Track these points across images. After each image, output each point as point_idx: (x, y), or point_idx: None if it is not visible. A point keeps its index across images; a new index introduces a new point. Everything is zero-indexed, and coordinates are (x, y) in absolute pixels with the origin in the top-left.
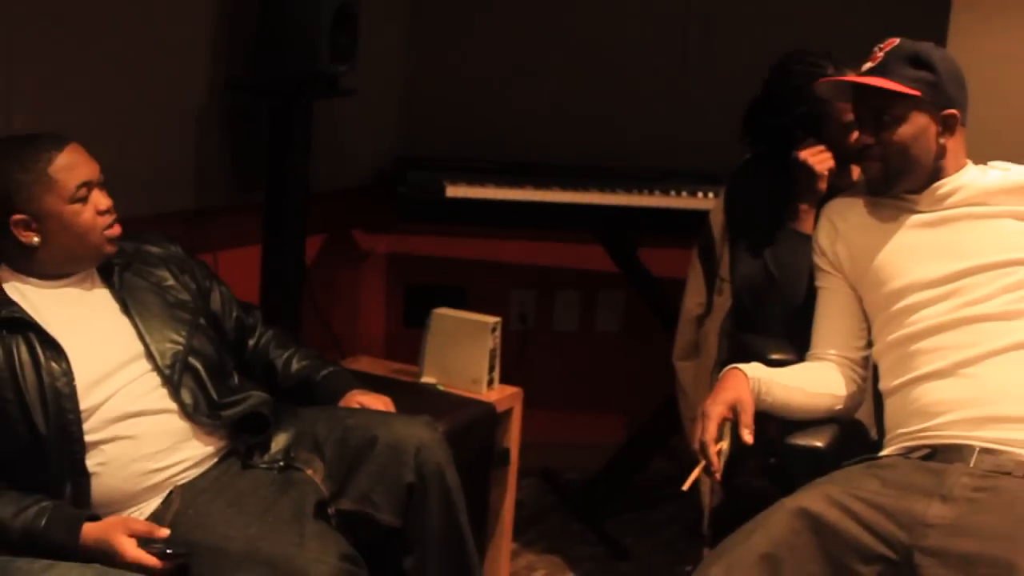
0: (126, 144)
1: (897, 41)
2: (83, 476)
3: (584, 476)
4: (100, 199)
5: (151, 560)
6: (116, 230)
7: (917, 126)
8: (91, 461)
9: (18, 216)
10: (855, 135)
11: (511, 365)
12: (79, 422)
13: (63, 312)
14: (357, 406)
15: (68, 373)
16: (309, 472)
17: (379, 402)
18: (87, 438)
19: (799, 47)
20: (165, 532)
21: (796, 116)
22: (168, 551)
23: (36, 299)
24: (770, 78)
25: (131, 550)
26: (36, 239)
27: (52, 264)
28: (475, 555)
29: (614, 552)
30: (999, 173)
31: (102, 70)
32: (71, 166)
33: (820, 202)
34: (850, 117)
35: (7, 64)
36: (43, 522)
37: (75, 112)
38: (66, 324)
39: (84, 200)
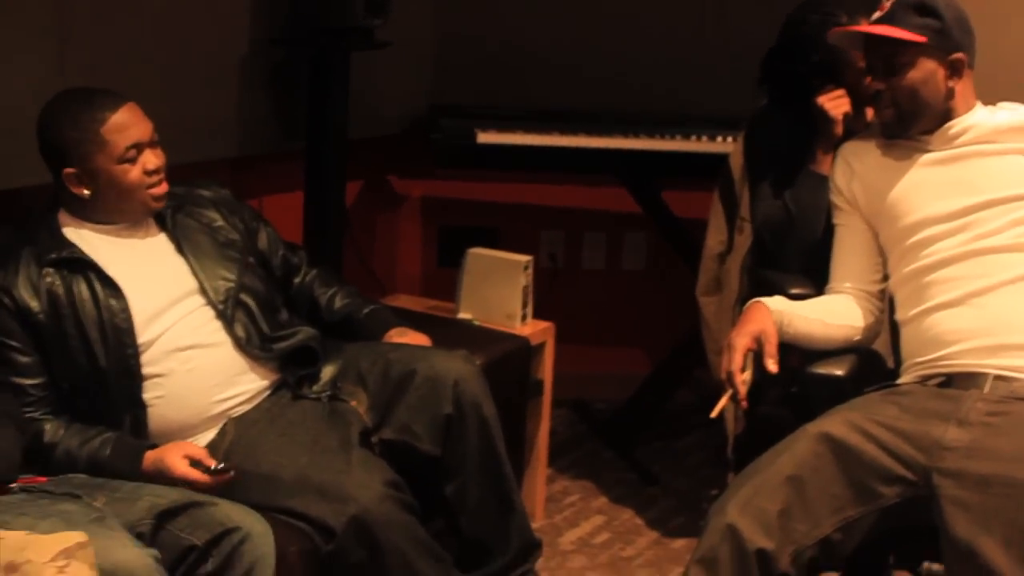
0: (175, 96)
1: None
2: (140, 408)
3: (613, 406)
4: (150, 159)
5: (197, 475)
6: (163, 188)
7: (925, 71)
8: (149, 394)
9: (70, 170)
10: (869, 80)
11: (542, 301)
12: (137, 356)
13: (120, 252)
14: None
15: (126, 309)
16: (354, 403)
17: (419, 339)
18: (145, 371)
19: None
20: (214, 462)
21: (812, 64)
22: (215, 468)
23: (94, 241)
24: (786, 27)
25: (181, 468)
26: (87, 192)
27: (103, 213)
28: (512, 481)
29: (643, 478)
30: (1008, 113)
31: (151, 27)
32: (123, 127)
33: (836, 144)
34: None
35: (60, 20)
36: (108, 451)
37: (125, 69)
38: (123, 263)
39: (133, 161)
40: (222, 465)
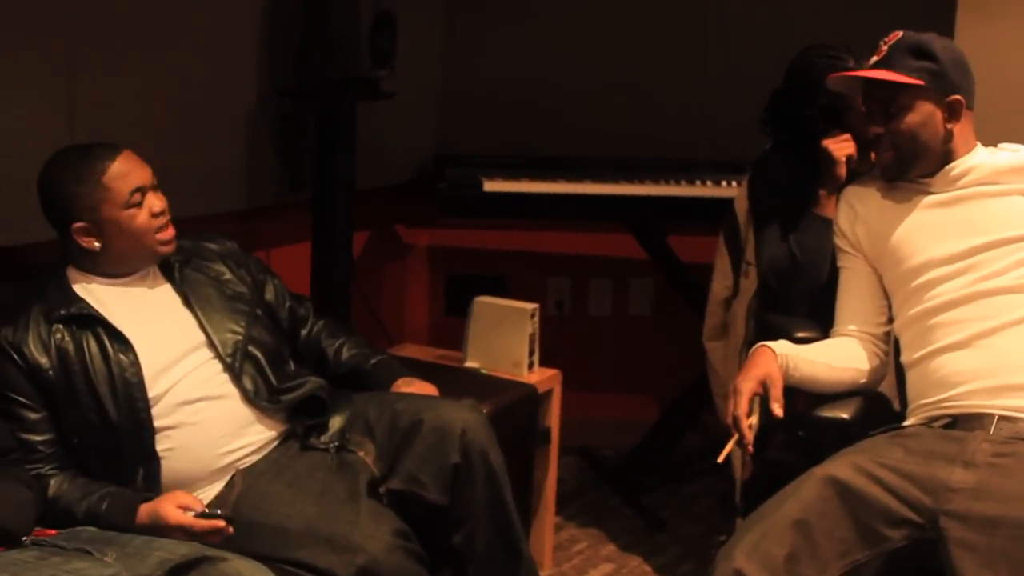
0: (181, 149)
1: (901, 34)
2: (154, 460)
3: (621, 453)
4: (154, 201)
5: (190, 520)
6: (169, 232)
7: (923, 113)
8: (159, 446)
9: (79, 224)
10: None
11: (549, 349)
12: (148, 409)
13: (128, 307)
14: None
15: (136, 363)
16: (361, 454)
17: (426, 388)
18: (155, 423)
19: (817, 41)
20: (203, 507)
21: (818, 107)
22: (205, 512)
23: (103, 296)
24: (792, 71)
25: (175, 516)
26: (97, 244)
27: (113, 264)
28: (520, 529)
29: (651, 524)
30: (1008, 154)
31: (158, 81)
32: (124, 173)
33: (840, 187)
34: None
35: (70, 75)
36: (104, 505)
37: (133, 122)
38: (132, 318)
39: (139, 205)
40: (215, 511)
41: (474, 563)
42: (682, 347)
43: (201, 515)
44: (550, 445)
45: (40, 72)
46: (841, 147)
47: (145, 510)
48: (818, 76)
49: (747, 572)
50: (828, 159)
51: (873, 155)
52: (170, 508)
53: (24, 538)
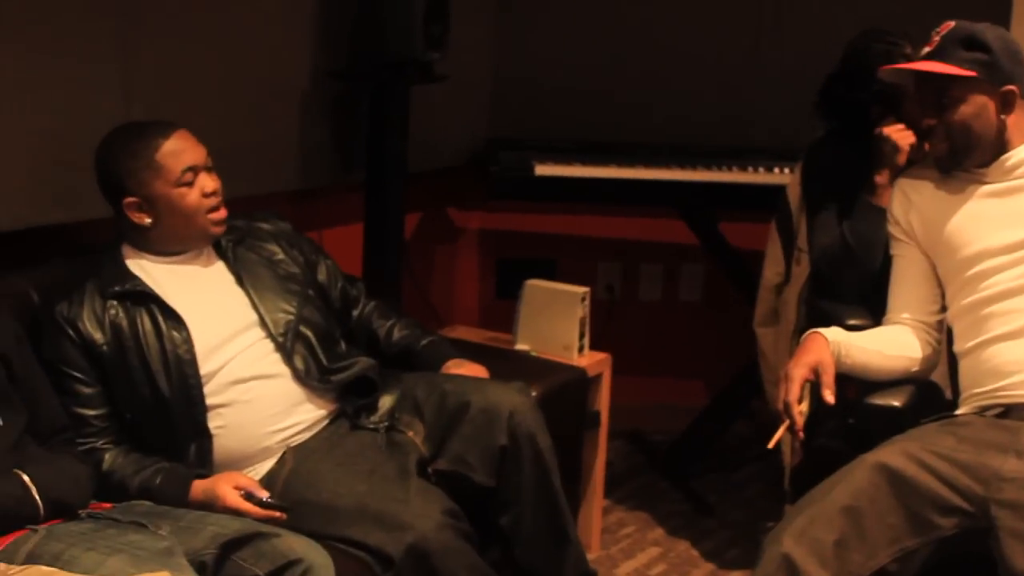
0: (238, 130)
1: (953, 24)
2: (206, 437)
3: (670, 437)
4: (207, 182)
5: (248, 506)
6: (221, 213)
7: (976, 105)
8: (211, 423)
9: (130, 199)
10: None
11: (599, 333)
12: (200, 386)
13: (182, 285)
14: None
15: (188, 341)
16: (410, 434)
17: (476, 370)
18: (207, 401)
19: (873, 26)
20: (265, 493)
21: (874, 92)
22: (265, 501)
23: (156, 273)
24: (848, 55)
25: (231, 498)
26: (148, 220)
27: (165, 242)
28: (567, 513)
29: (699, 509)
30: None
31: (215, 64)
32: (177, 152)
33: (896, 175)
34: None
35: (126, 54)
36: (158, 480)
37: (189, 102)
38: (185, 296)
39: (190, 184)
40: (273, 500)
41: (521, 545)
42: (732, 333)
43: (260, 503)
44: (599, 428)
45: (96, 51)
46: (904, 135)
47: (200, 487)
48: (874, 61)
49: (795, 556)
50: (891, 146)
51: (927, 146)
52: (227, 489)
53: (81, 511)
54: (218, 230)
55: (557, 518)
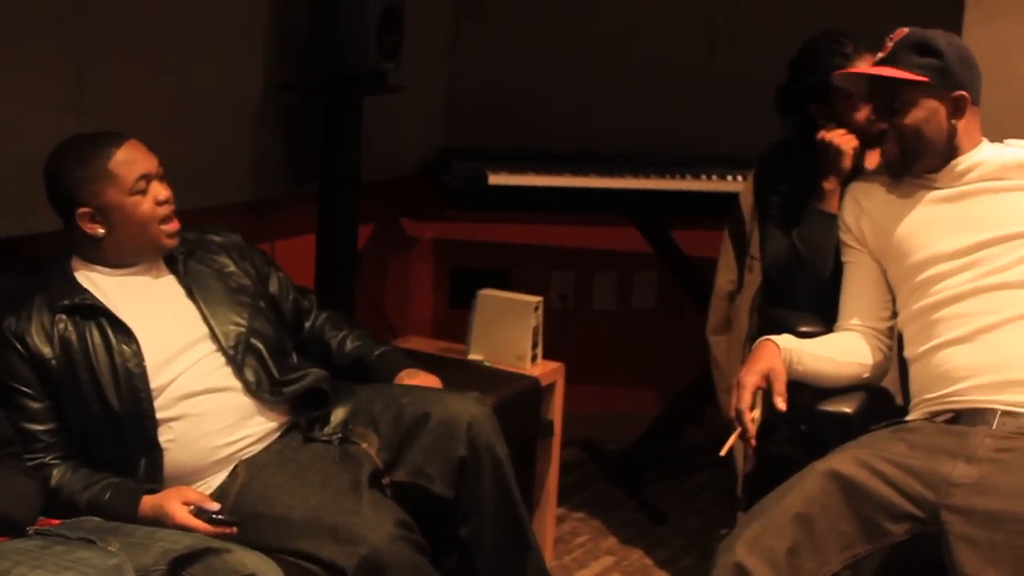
0: (188, 141)
1: (906, 31)
2: (156, 451)
3: (623, 446)
4: (159, 190)
5: (198, 523)
6: (174, 225)
7: (928, 109)
8: (162, 437)
9: (83, 209)
10: (862, 112)
11: (553, 342)
12: (150, 400)
13: (131, 298)
14: (409, 383)
15: (138, 354)
16: (364, 445)
17: (429, 380)
18: (158, 415)
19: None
20: (216, 505)
21: (808, 83)
22: (215, 517)
23: (106, 286)
24: (797, 52)
25: (180, 514)
26: (101, 230)
27: (117, 254)
28: (527, 521)
29: (653, 517)
30: (1015, 150)
31: (167, 76)
32: (129, 160)
33: (843, 184)
34: (854, 90)
35: (77, 67)
36: (107, 495)
37: (141, 114)
38: (135, 309)
39: (143, 192)
40: (224, 517)
41: (482, 556)
42: (685, 341)
43: (209, 519)
44: (553, 438)
45: (47, 64)
46: (846, 139)
47: (149, 503)
48: (814, 53)
49: (748, 565)
50: (834, 151)
51: (870, 155)
52: (176, 505)
53: (28, 528)
54: (171, 242)
55: (517, 526)
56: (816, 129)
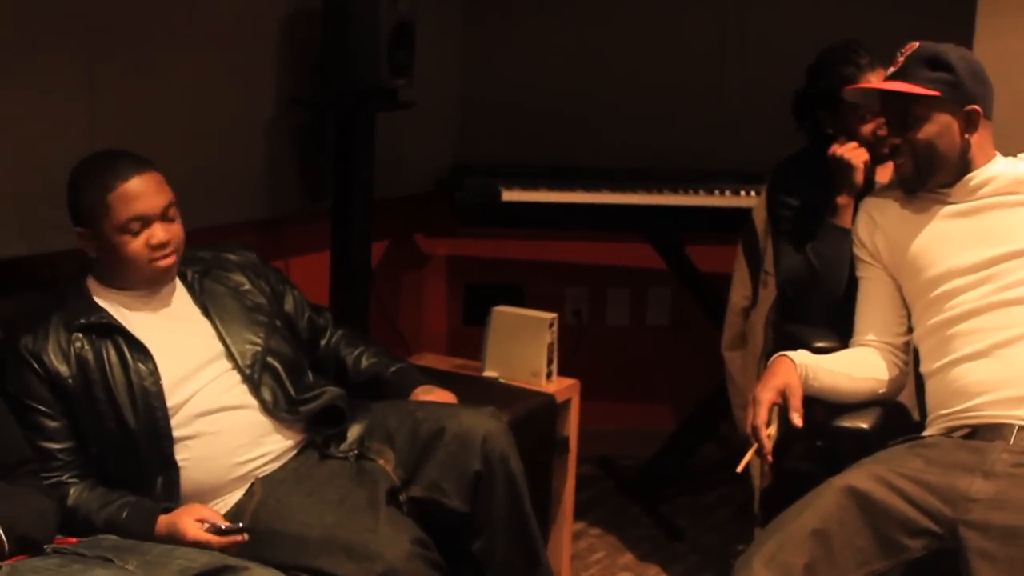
0: (204, 159)
1: (917, 45)
2: (173, 469)
3: (639, 462)
4: (157, 233)
5: (209, 537)
6: (168, 261)
7: (940, 124)
8: (178, 455)
9: (80, 229)
10: (869, 126)
11: (568, 358)
12: (167, 418)
13: (148, 317)
14: (425, 399)
15: (155, 373)
16: (381, 462)
17: (444, 396)
18: (174, 433)
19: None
20: (224, 522)
21: (820, 89)
22: (224, 528)
23: (122, 305)
24: (816, 58)
25: (192, 531)
26: (93, 254)
27: (111, 277)
28: (539, 538)
29: (669, 533)
30: None
31: (178, 91)
32: (130, 199)
33: (857, 198)
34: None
35: (91, 86)
36: (124, 514)
37: (155, 131)
38: (151, 328)
39: (135, 233)
40: (232, 525)
41: (493, 571)
42: (700, 357)
43: (219, 531)
44: (568, 454)
45: (61, 83)
46: (857, 153)
47: (164, 522)
48: (828, 61)
49: None
50: (845, 166)
51: (880, 169)
52: (188, 522)
53: (46, 546)
54: (166, 277)
55: (528, 541)
56: (827, 139)
